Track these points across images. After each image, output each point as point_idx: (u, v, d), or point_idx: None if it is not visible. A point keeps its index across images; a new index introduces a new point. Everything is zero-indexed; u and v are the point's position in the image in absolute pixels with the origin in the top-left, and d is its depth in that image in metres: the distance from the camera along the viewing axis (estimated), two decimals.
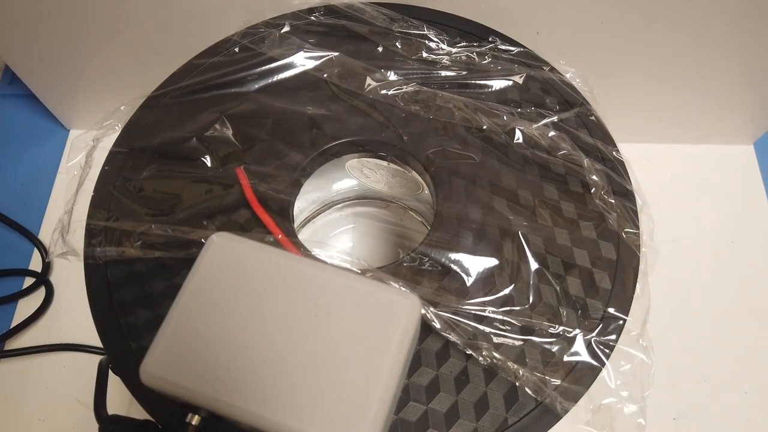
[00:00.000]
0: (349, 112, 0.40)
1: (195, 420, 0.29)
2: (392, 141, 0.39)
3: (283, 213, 0.36)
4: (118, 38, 0.52)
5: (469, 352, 0.32)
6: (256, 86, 0.41)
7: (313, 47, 0.42)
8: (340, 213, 0.53)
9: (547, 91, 0.41)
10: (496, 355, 0.32)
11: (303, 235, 0.51)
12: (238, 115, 0.40)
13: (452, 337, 0.32)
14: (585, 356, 0.32)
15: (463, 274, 0.34)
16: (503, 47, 0.42)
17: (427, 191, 0.41)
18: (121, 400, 0.46)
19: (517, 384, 0.31)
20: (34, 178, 0.61)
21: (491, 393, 0.32)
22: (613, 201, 0.36)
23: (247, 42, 0.42)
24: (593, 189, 0.37)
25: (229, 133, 0.39)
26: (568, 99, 0.40)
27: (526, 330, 0.33)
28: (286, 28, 0.43)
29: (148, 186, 0.37)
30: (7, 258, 0.56)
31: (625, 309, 0.34)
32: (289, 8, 0.44)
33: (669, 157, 0.61)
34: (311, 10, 0.44)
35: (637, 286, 0.35)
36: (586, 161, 0.37)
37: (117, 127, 0.39)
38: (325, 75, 0.41)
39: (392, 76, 0.41)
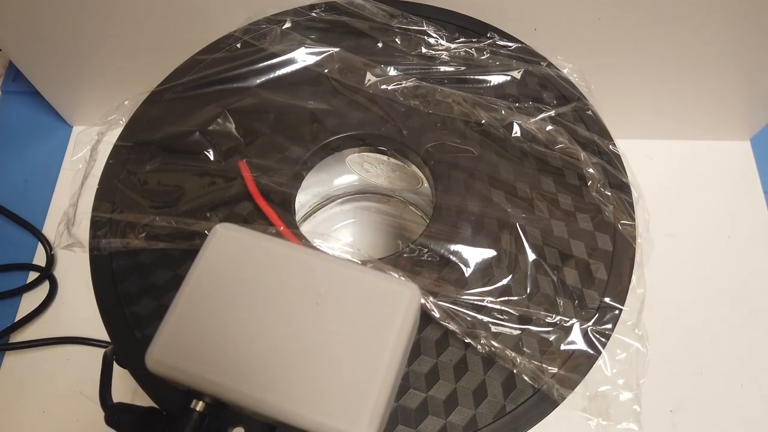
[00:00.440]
0: (350, 107, 0.41)
1: (199, 406, 0.29)
2: (392, 135, 0.40)
3: (285, 205, 0.37)
4: (121, 35, 0.52)
5: (467, 340, 0.32)
6: (258, 81, 0.41)
7: (313, 43, 0.42)
8: (340, 207, 0.54)
9: (544, 86, 0.41)
10: (494, 343, 0.32)
11: (304, 229, 0.51)
12: (240, 109, 0.40)
13: (451, 326, 0.33)
14: (581, 345, 0.33)
15: (462, 265, 0.35)
16: (501, 43, 0.42)
17: (426, 185, 0.42)
18: (124, 392, 0.46)
19: (514, 372, 0.32)
20: (38, 173, 0.61)
21: (489, 381, 0.32)
22: (609, 193, 0.37)
23: (248, 38, 0.43)
24: (590, 182, 0.37)
25: (232, 127, 0.39)
26: (565, 94, 0.41)
27: (523, 319, 0.33)
28: (288, 25, 0.43)
29: (152, 179, 0.38)
30: (11, 252, 0.57)
31: (621, 299, 0.34)
32: (290, 5, 0.44)
33: (667, 153, 0.62)
34: (312, 7, 0.44)
35: (633, 276, 0.35)
36: (582, 155, 0.38)
37: (121, 122, 0.40)
38: (325, 70, 0.42)
39: (392, 72, 0.41)
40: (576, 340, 0.33)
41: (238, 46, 0.43)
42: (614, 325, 0.33)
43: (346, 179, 0.52)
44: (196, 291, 0.30)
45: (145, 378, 0.33)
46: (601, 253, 0.35)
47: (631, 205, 0.37)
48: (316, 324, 0.29)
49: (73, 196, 0.39)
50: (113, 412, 0.32)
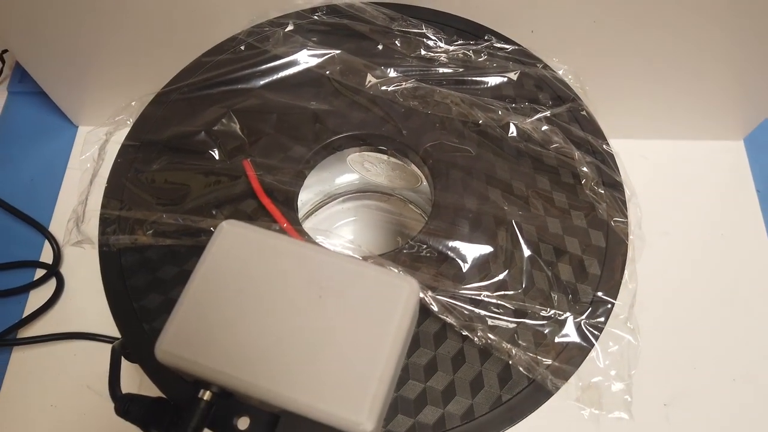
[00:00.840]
0: (351, 108, 0.42)
1: (207, 395, 0.30)
2: (392, 135, 0.41)
3: (288, 203, 0.38)
4: (126, 37, 0.53)
5: (465, 333, 0.34)
6: (262, 82, 0.43)
7: (315, 45, 0.43)
8: (342, 206, 0.55)
9: (540, 88, 0.42)
10: (490, 336, 0.33)
11: (306, 227, 0.52)
12: (244, 110, 0.41)
13: (449, 320, 0.34)
14: (575, 337, 0.34)
15: (460, 261, 0.36)
16: (498, 45, 0.43)
17: (425, 183, 0.43)
18: (129, 386, 0.47)
19: (510, 363, 0.33)
20: (44, 173, 0.62)
21: (486, 372, 0.33)
22: (602, 191, 0.38)
23: (252, 40, 0.44)
24: (584, 180, 0.38)
25: (236, 127, 0.41)
26: (560, 95, 0.42)
27: (519, 313, 0.34)
28: (290, 27, 0.44)
29: (159, 177, 0.39)
30: (18, 250, 0.58)
31: (614, 293, 0.35)
32: (292, 8, 0.45)
33: (662, 153, 0.63)
34: (314, 10, 0.45)
35: (625, 272, 0.36)
36: (577, 154, 0.39)
37: (128, 122, 0.41)
38: (327, 72, 0.43)
39: (392, 73, 0.42)
40: (570, 333, 0.34)
41: (242, 48, 0.44)
42: (607, 319, 0.35)
43: (347, 178, 0.53)
44: (203, 285, 0.31)
45: (153, 369, 0.34)
46: (595, 250, 0.37)
47: (624, 203, 0.38)
48: (319, 316, 0.30)
49: (81, 194, 0.40)
50: (123, 402, 0.33)
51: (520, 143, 0.40)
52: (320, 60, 0.43)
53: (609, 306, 0.35)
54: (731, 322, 0.54)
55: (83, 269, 0.57)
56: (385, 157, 0.44)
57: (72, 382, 0.52)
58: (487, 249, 0.36)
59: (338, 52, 0.43)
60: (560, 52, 0.44)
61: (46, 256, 0.58)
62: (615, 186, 0.39)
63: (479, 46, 0.43)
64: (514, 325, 0.34)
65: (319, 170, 0.43)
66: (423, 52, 0.43)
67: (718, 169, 0.63)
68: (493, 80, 0.42)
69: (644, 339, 0.51)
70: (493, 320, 0.34)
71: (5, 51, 0.67)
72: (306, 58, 0.43)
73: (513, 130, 0.40)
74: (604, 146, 0.40)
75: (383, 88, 0.42)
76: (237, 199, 0.38)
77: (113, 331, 0.53)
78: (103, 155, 0.41)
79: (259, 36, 0.44)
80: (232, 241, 0.32)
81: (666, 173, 0.62)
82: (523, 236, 0.37)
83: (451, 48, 0.43)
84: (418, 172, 0.43)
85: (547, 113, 0.41)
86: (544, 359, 0.33)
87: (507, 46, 0.43)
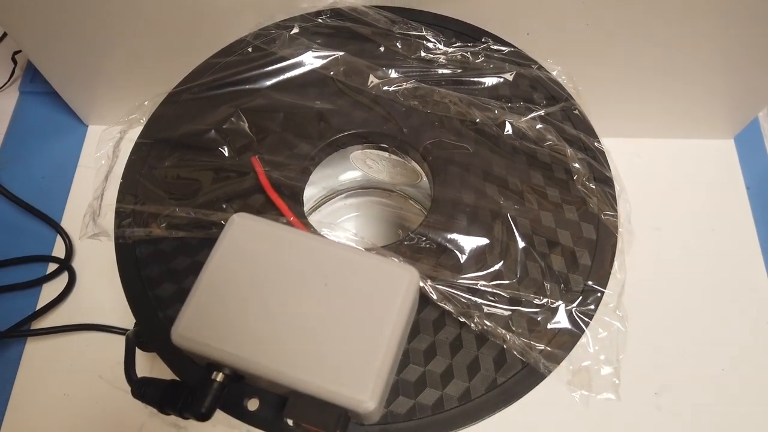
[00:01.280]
0: (354, 107, 0.44)
1: (219, 377, 0.32)
2: (393, 133, 0.43)
3: (295, 198, 0.40)
4: (137, 40, 0.55)
5: (462, 320, 0.35)
6: (269, 83, 0.44)
7: (320, 47, 0.45)
8: (344, 201, 0.57)
9: (535, 88, 0.44)
10: (486, 322, 0.35)
11: (311, 221, 0.54)
12: (252, 109, 0.43)
13: (448, 307, 0.36)
14: (566, 324, 0.36)
15: (458, 252, 0.38)
16: (495, 47, 0.45)
17: (425, 179, 0.45)
18: (141, 374, 0.49)
19: (505, 348, 0.35)
20: (56, 171, 0.64)
21: (482, 356, 0.35)
22: (593, 187, 0.40)
23: (259, 42, 0.46)
24: (576, 176, 0.40)
25: (245, 125, 0.42)
26: (554, 95, 0.44)
27: (514, 301, 0.36)
28: (296, 30, 0.46)
29: (172, 173, 0.41)
30: (31, 245, 0.59)
31: (603, 283, 0.37)
32: (298, 11, 0.47)
33: (655, 151, 0.65)
34: (318, 13, 0.47)
35: (615, 263, 0.38)
36: (569, 151, 0.41)
37: (142, 121, 0.43)
38: (331, 73, 0.45)
39: (393, 74, 0.44)
40: (561, 320, 0.36)
41: (250, 50, 0.45)
42: (597, 307, 0.36)
43: (350, 175, 0.55)
44: (216, 273, 0.33)
45: (168, 353, 0.35)
46: (586, 242, 0.38)
47: (614, 197, 0.40)
48: (325, 302, 0.32)
49: (97, 189, 0.42)
50: (139, 386, 0.35)
51: (515, 141, 0.42)
52: (324, 61, 0.45)
53: (599, 295, 0.37)
54: (720, 314, 0.56)
55: (94, 263, 0.59)
56: (386, 154, 0.45)
57: (84, 372, 0.54)
58: (483, 241, 0.38)
59: (342, 53, 0.45)
60: (554, 54, 0.46)
61: (58, 250, 0.59)
62: (605, 181, 0.40)
63: (477, 48, 0.45)
64: (508, 313, 0.36)
65: (324, 167, 0.44)
66: (423, 54, 0.45)
67: (709, 167, 0.64)
68: (489, 81, 0.44)
69: (637, 330, 0.53)
70: (489, 308, 0.36)
71: (17, 52, 0.69)
72: (311, 60, 0.45)
73: (509, 129, 0.42)
74: (595, 144, 0.42)
75: (385, 88, 0.44)
76: (246, 193, 0.40)
77: (124, 322, 0.55)
78: (117, 152, 0.42)
79: (265, 38, 0.46)
80: (243, 233, 0.34)
81: (659, 171, 0.64)
82: (518, 229, 0.38)
83: (450, 50, 0.45)
84: (418, 168, 0.45)
85: (542, 112, 0.42)
86: (537, 344, 0.35)
87: (503, 48, 0.45)
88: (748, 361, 0.54)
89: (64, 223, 0.60)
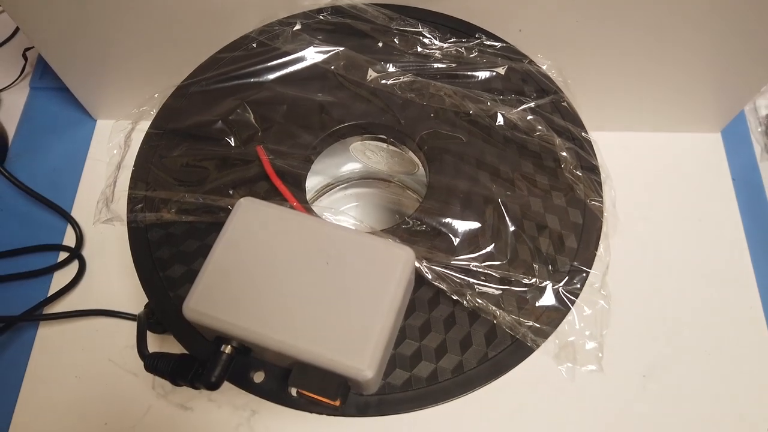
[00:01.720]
0: (353, 99, 0.46)
1: (228, 349, 0.34)
2: (391, 124, 0.45)
3: (298, 185, 0.42)
4: (145, 37, 0.56)
5: (456, 298, 0.38)
6: (272, 77, 0.46)
7: (321, 43, 0.47)
8: (344, 192, 0.59)
9: (525, 81, 0.46)
10: (478, 300, 0.37)
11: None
12: (257, 101, 0.45)
13: (442, 287, 0.38)
14: (554, 302, 0.38)
15: (452, 235, 0.40)
16: (488, 43, 0.47)
17: (422, 169, 0.47)
18: None
19: (496, 324, 0.37)
20: (66, 163, 0.66)
21: (474, 332, 0.37)
22: (580, 174, 0.42)
23: (263, 38, 0.47)
24: (563, 164, 0.42)
25: (250, 117, 0.44)
26: (544, 88, 0.46)
27: (504, 281, 0.38)
28: (298, 26, 0.48)
29: (181, 161, 0.43)
30: (43, 234, 0.61)
31: (589, 264, 0.39)
32: (300, 9, 0.49)
33: (644, 144, 0.67)
34: (320, 10, 0.49)
35: (600, 246, 0.40)
36: (557, 140, 0.43)
37: (152, 112, 0.45)
38: (332, 67, 0.47)
39: (391, 68, 0.46)
40: (549, 298, 0.38)
41: (254, 45, 0.47)
42: (582, 286, 0.38)
43: (350, 167, 0.57)
44: (224, 253, 0.35)
45: (179, 330, 0.37)
46: (572, 226, 0.41)
47: (600, 184, 0.42)
48: (326, 279, 0.34)
49: (109, 177, 0.44)
50: (151, 360, 0.37)
51: (506, 131, 0.44)
52: (325, 56, 0.47)
53: (584, 275, 0.39)
54: (706, 300, 0.58)
55: (104, 252, 0.61)
56: (384, 145, 0.48)
57: (94, 355, 0.56)
58: (476, 225, 0.40)
59: (342, 49, 0.47)
60: (545, 49, 0.48)
61: (69, 240, 0.61)
62: (592, 169, 0.43)
63: (471, 44, 0.47)
64: (499, 292, 0.38)
65: (325, 157, 0.47)
66: (419, 49, 0.47)
67: (697, 159, 0.66)
68: (483, 74, 0.46)
69: (625, 315, 0.56)
70: (481, 287, 0.38)
71: (28, 49, 0.71)
72: (312, 55, 0.47)
73: (500, 120, 0.44)
74: (582, 134, 0.44)
75: (383, 81, 0.46)
76: (251, 180, 0.42)
77: (132, 308, 0.58)
78: (128, 142, 0.45)
79: (269, 34, 0.48)
80: (250, 215, 0.36)
81: (648, 163, 0.66)
82: (509, 214, 0.41)
83: (445, 45, 0.47)
84: (415, 158, 0.47)
85: (532, 104, 0.44)
86: (526, 321, 0.37)
87: (496, 44, 0.47)
88: (731, 345, 0.56)
89: (75, 213, 0.62)
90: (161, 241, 0.40)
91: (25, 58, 0.71)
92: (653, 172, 0.65)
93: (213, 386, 0.34)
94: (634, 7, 0.52)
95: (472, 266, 0.39)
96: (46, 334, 0.57)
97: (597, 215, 0.41)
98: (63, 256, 0.60)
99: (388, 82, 0.46)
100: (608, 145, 0.45)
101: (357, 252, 0.35)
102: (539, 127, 0.43)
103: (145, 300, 0.42)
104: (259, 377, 0.36)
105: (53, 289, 0.59)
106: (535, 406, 0.53)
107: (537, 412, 0.53)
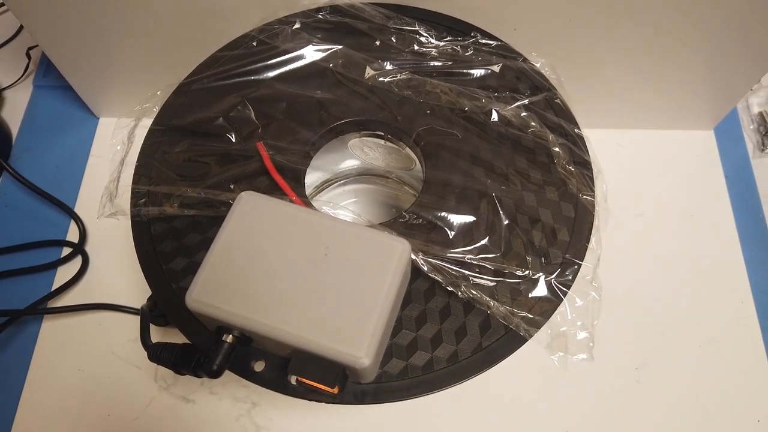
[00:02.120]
0: (352, 97, 0.47)
1: (229, 338, 0.35)
2: (388, 121, 0.46)
3: (297, 180, 0.43)
4: (148, 37, 0.57)
5: (451, 290, 0.39)
6: (272, 74, 0.47)
7: (320, 41, 0.48)
8: (343, 188, 0.60)
9: (520, 79, 0.47)
10: (473, 292, 0.38)
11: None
12: (257, 98, 0.46)
13: (438, 278, 0.39)
14: (546, 293, 0.39)
15: (447, 229, 0.41)
16: (484, 41, 0.48)
17: (418, 166, 0.48)
18: None
19: (490, 314, 0.38)
20: (69, 160, 0.67)
21: (469, 323, 0.38)
22: (573, 169, 0.43)
23: (263, 37, 0.48)
24: (556, 159, 0.43)
25: (250, 113, 0.45)
26: (537, 85, 0.47)
27: (498, 273, 0.39)
28: (297, 25, 0.49)
29: (183, 157, 0.44)
30: (47, 230, 0.62)
31: (581, 256, 0.40)
32: (299, 8, 0.50)
33: (638, 141, 0.68)
34: (319, 10, 0.50)
35: (592, 239, 0.41)
36: (551, 136, 0.44)
37: (155, 109, 0.46)
38: (330, 65, 0.47)
39: (388, 66, 0.47)
40: (542, 290, 0.39)
41: (254, 44, 0.48)
42: (574, 278, 0.39)
43: (348, 164, 0.58)
44: (226, 244, 0.36)
45: (181, 320, 0.38)
46: (565, 219, 0.42)
47: (592, 179, 0.43)
48: (325, 270, 0.35)
49: (113, 172, 0.45)
50: (154, 350, 0.38)
51: (501, 127, 0.45)
52: (324, 54, 0.48)
53: (576, 267, 0.40)
54: (698, 294, 0.59)
55: (106, 248, 0.62)
56: (382, 141, 0.49)
57: (98, 348, 0.57)
58: (470, 219, 0.41)
59: (340, 47, 0.47)
60: (539, 48, 0.49)
61: (72, 235, 0.62)
62: (584, 165, 0.44)
63: (466, 42, 0.48)
64: (493, 283, 0.39)
65: (324, 153, 0.48)
66: (416, 47, 0.48)
67: (690, 156, 0.67)
68: (478, 72, 0.47)
69: (619, 309, 0.57)
70: (475, 279, 0.39)
71: (31, 48, 0.72)
72: (311, 53, 0.48)
73: (495, 116, 0.45)
74: (575, 130, 0.45)
75: (380, 79, 0.46)
76: (251, 175, 0.43)
77: (134, 303, 0.59)
78: (132, 139, 0.46)
79: (269, 33, 0.49)
80: (251, 208, 0.37)
81: (642, 160, 0.67)
82: (503, 208, 0.42)
83: (441, 44, 0.48)
84: (412, 154, 0.48)
85: (526, 101, 0.45)
86: (519, 312, 0.38)
87: (491, 42, 0.48)
88: (723, 339, 0.57)
89: (78, 210, 0.63)
90: (164, 234, 0.41)
91: (29, 57, 0.72)
92: (647, 169, 0.66)
93: (215, 374, 0.35)
94: (626, 6, 0.53)
95: (467, 259, 0.40)
96: (50, 327, 0.58)
97: (589, 209, 0.42)
98: (66, 251, 0.61)
99: (386, 80, 0.46)
100: (602, 141, 0.46)
101: (355, 243, 0.36)
102: (533, 124, 0.44)
103: (147, 295, 0.43)
104: (259, 366, 0.37)
105: (57, 283, 0.60)
106: (528, 395, 0.54)
107: (530, 400, 0.54)
